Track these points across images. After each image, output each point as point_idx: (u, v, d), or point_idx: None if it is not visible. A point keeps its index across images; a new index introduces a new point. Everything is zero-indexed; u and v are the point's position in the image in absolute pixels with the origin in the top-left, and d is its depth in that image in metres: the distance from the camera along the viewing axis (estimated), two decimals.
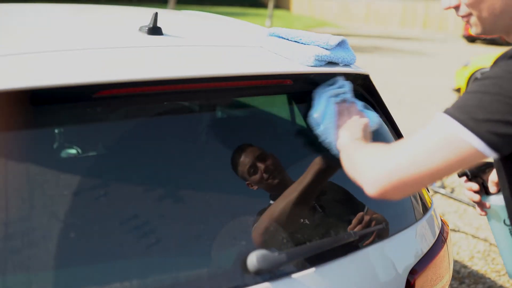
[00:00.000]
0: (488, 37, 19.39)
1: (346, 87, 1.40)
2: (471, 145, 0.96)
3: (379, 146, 1.13)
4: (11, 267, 1.01)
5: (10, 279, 1.01)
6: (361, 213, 1.40)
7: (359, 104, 1.41)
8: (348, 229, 1.37)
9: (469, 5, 1.11)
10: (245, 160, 1.33)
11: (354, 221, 1.38)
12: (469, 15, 1.13)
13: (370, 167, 1.05)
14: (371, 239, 1.38)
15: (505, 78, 0.97)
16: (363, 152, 1.13)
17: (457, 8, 1.15)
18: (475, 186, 1.41)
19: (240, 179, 1.35)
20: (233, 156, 1.33)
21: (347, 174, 1.16)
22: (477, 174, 1.40)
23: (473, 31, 1.15)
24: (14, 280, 1.01)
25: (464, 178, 1.42)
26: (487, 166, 1.41)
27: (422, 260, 1.46)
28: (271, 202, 1.36)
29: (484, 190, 1.41)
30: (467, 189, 1.42)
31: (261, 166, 1.34)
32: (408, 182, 0.99)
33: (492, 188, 1.41)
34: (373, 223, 1.41)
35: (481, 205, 1.42)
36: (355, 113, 1.33)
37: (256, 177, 1.33)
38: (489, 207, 1.40)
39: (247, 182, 1.35)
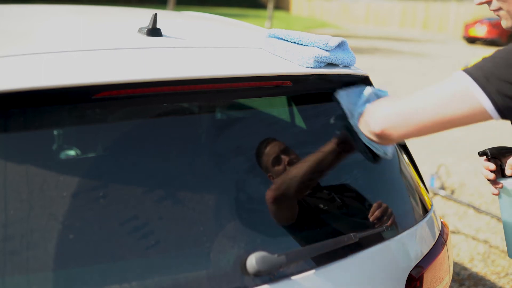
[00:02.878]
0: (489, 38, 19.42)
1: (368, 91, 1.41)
2: (479, 102, 1.03)
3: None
4: (11, 268, 1.01)
5: (9, 280, 1.00)
6: (375, 205, 1.44)
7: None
8: (369, 216, 1.41)
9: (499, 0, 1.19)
10: (270, 151, 1.35)
11: (373, 208, 1.43)
12: (499, 9, 1.21)
13: (380, 109, 1.19)
14: (371, 240, 1.38)
15: None
16: (376, 102, 1.25)
17: (489, 3, 1.23)
18: (492, 166, 1.46)
19: (240, 180, 1.35)
20: (258, 147, 1.36)
21: (363, 131, 1.26)
22: (496, 155, 1.46)
23: (503, 24, 1.23)
24: (13, 281, 1.01)
25: (484, 157, 1.48)
26: (508, 151, 1.47)
27: (422, 262, 1.46)
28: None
29: (500, 172, 1.47)
30: (485, 167, 1.48)
31: (285, 158, 1.36)
32: (412, 125, 1.11)
33: (508, 171, 1.47)
34: (390, 210, 1.45)
35: (495, 184, 1.47)
36: None
37: (279, 168, 1.36)
38: (502, 187, 1.45)
39: (269, 174, 1.36)
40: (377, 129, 1.17)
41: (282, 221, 1.31)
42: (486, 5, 1.25)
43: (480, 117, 1.06)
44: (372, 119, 1.20)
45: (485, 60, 1.08)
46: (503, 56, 1.05)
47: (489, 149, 1.46)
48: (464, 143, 6.32)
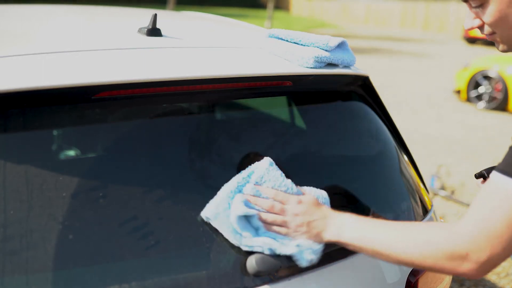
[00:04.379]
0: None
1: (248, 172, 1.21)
2: None
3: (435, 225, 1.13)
4: (9, 269, 1.01)
5: (8, 281, 1.00)
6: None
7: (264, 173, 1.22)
8: None
9: (491, 25, 1.12)
10: None
11: None
12: (492, 33, 1.14)
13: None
14: None
15: None
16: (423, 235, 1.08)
17: (480, 28, 1.16)
18: None
19: None
20: (240, 164, 1.33)
21: (413, 260, 1.07)
22: None
23: (500, 48, 1.17)
24: (12, 282, 1.01)
25: (481, 179, 1.43)
26: None
27: None
28: None
29: None
30: None
31: None
32: (500, 250, 0.99)
33: None
34: None
35: None
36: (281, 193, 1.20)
37: None
38: None
39: None
40: (480, 275, 1.04)
41: None
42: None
43: None
44: (466, 268, 1.03)
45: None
46: None
47: (485, 170, 1.41)
48: (464, 144, 6.32)
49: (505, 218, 0.99)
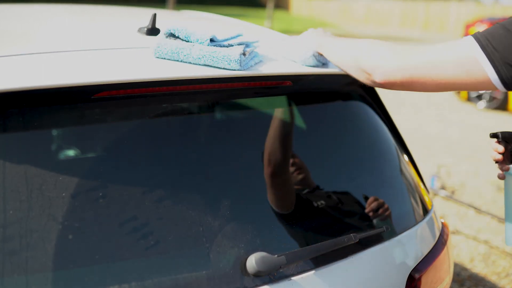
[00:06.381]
0: None
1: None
2: (485, 71, 1.05)
3: (388, 43, 1.22)
4: (9, 269, 1.01)
5: (7, 281, 1.00)
6: (371, 198, 1.46)
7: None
8: (367, 209, 1.44)
9: None
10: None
11: (370, 200, 1.46)
12: None
13: (382, 57, 1.16)
14: (371, 241, 1.38)
15: None
16: (371, 43, 1.22)
17: None
18: (501, 148, 1.44)
19: (240, 180, 1.34)
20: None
21: (343, 63, 1.25)
22: (507, 139, 1.44)
23: None
24: (12, 282, 1.01)
25: (495, 139, 1.45)
26: None
27: (422, 263, 1.46)
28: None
29: (509, 157, 1.44)
30: (493, 149, 1.46)
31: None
32: (415, 82, 1.12)
33: None
34: (386, 205, 1.47)
35: (501, 165, 1.45)
36: None
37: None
38: (508, 170, 1.43)
39: None
40: (381, 81, 1.18)
41: (280, 207, 1.31)
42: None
43: (484, 86, 1.08)
44: (376, 72, 1.19)
45: (496, 27, 1.07)
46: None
47: (501, 132, 1.45)
48: (464, 144, 6.32)
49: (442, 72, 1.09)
